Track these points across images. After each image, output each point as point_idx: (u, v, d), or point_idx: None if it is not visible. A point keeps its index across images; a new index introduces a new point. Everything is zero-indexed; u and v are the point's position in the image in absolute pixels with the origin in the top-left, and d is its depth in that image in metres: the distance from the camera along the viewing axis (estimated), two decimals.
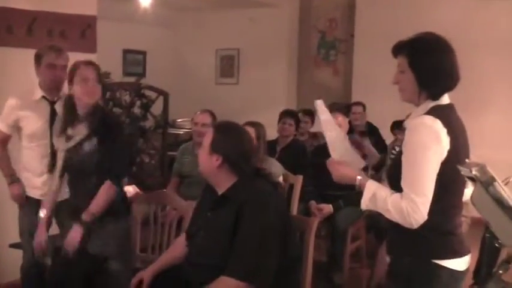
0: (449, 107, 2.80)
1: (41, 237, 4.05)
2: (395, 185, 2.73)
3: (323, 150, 5.88)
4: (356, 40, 9.60)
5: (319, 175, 5.78)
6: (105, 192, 3.85)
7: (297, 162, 6.03)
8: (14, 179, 4.51)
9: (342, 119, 5.94)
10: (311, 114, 7.46)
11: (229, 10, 10.28)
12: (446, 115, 2.71)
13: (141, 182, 5.71)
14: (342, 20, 9.95)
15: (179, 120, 9.80)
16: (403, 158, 2.69)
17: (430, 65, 2.75)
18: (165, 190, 5.25)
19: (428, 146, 2.63)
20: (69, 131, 3.81)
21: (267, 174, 3.44)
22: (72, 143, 3.79)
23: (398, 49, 2.83)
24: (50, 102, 4.36)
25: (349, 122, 7.15)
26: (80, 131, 3.79)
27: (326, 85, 9.99)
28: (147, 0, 8.56)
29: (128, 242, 4.14)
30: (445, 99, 2.79)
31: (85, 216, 3.80)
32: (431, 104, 2.75)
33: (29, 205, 4.46)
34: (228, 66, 10.79)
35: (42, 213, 4.06)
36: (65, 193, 3.96)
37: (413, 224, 2.63)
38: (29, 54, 4.48)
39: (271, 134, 6.54)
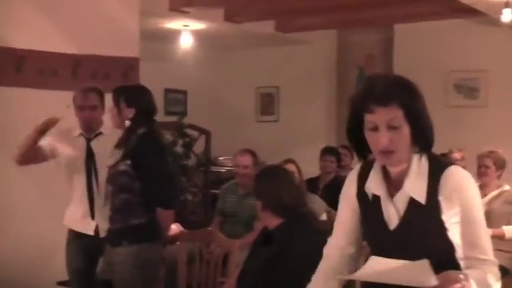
0: None
1: None
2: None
3: None
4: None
5: None
6: (163, 221, 3.93)
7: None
8: None
9: None
10: (350, 148, 7.44)
11: (268, 48, 10.36)
12: None
13: (184, 220, 5.75)
14: (380, 56, 9.85)
15: (221, 158, 9.80)
16: (469, 221, 2.22)
17: (424, 111, 2.24)
18: (209, 228, 5.26)
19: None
20: (114, 151, 3.92)
21: (313, 217, 3.57)
22: (111, 162, 3.90)
23: (382, 101, 2.18)
24: (86, 139, 4.43)
25: None
26: (119, 152, 3.90)
27: None
28: (188, 41, 8.70)
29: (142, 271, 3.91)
30: None
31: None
32: (424, 156, 2.26)
33: (73, 241, 4.46)
34: (267, 103, 10.86)
35: None
36: None
37: None
38: None
39: (312, 171, 6.55)
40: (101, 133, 4.45)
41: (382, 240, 2.31)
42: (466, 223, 2.21)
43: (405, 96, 2.18)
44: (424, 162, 2.25)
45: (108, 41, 5.83)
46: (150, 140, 3.93)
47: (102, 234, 4.16)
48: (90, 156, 4.35)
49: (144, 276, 3.85)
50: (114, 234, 3.89)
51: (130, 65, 6.03)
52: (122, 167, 3.82)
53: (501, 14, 6.76)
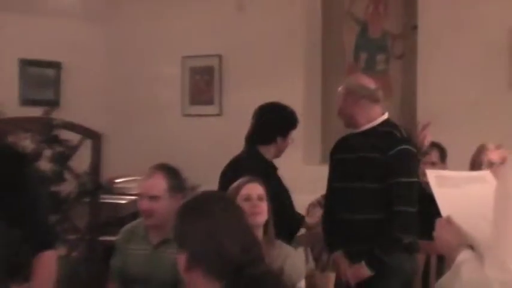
0: None
1: None
2: None
3: None
4: (420, 35, 9.27)
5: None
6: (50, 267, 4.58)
7: None
8: None
9: None
10: None
11: None
12: None
13: None
14: (394, 3, 9.65)
15: (119, 180, 9.83)
16: None
17: None
18: None
19: None
20: None
21: (275, 281, 3.64)
22: None
23: None
24: None
25: None
26: None
27: None
28: None
29: None
30: None
31: None
32: None
33: None
34: (202, 85, 10.73)
35: None
36: None
37: None
38: None
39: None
40: None
41: None
42: None
43: None
44: None
45: None
46: None
47: None
48: None
49: None
50: None
51: None
52: None
53: None
